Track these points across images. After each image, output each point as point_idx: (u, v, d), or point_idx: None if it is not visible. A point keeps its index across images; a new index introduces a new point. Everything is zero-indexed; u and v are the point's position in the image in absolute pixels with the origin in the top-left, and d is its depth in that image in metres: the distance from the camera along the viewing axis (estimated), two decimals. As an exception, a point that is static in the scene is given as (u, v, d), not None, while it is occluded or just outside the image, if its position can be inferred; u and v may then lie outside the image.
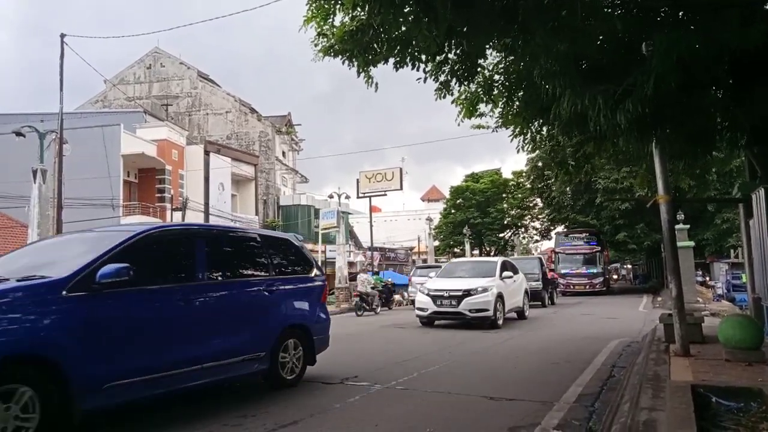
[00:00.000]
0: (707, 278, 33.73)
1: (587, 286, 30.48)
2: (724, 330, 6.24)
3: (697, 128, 5.99)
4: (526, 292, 14.82)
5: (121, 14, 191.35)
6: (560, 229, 38.21)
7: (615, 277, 50.50)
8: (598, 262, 31.39)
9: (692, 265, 19.54)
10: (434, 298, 12.44)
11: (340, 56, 5.82)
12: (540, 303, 19.59)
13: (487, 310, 11.77)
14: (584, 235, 33.27)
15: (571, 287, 30.62)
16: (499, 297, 12.21)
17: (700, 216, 30.64)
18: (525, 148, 8.39)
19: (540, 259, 22.51)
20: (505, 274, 13.07)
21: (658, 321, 8.51)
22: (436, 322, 12.92)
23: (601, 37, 5.34)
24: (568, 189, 32.72)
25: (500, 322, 12.14)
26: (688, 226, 21.26)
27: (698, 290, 22.33)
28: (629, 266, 64.44)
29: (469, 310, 11.81)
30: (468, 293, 11.97)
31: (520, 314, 14.22)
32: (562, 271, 31.34)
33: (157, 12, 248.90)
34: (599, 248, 32.04)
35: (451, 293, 12.20)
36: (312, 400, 5.33)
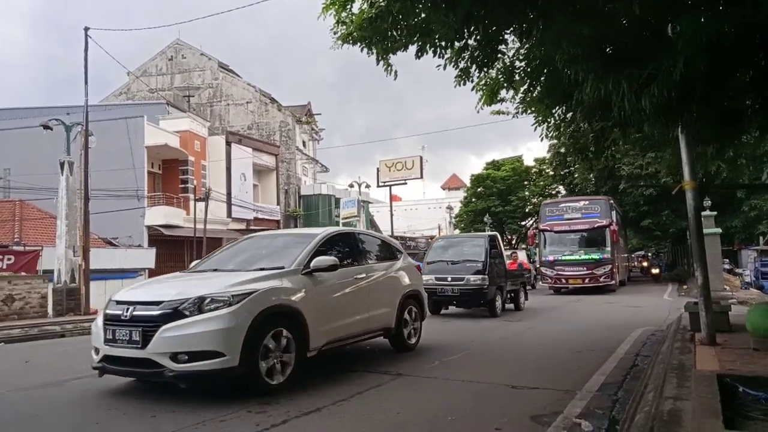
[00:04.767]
0: (734, 266, 32.92)
1: (587, 280, 21.13)
2: (752, 318, 6.14)
3: (725, 112, 5.84)
4: (413, 296, 7.73)
5: (124, 6, 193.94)
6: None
7: (656, 271, 34.11)
8: (604, 243, 21.62)
9: (719, 253, 19.11)
10: (107, 328, 5.11)
11: (358, 44, 5.78)
12: (487, 310, 12.51)
13: (217, 354, 4.72)
14: (582, 203, 23.04)
15: (563, 281, 21.71)
16: (282, 315, 5.31)
17: (728, 203, 29.93)
18: (548, 135, 8.27)
19: (490, 237, 13.89)
20: (318, 261, 5.83)
21: (684, 309, 8.39)
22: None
23: (624, 21, 5.21)
24: (591, 176, 31.85)
25: (275, 380, 5.09)
26: (714, 213, 20.78)
27: (725, 278, 21.89)
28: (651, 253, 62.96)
29: (173, 356, 4.69)
30: (175, 313, 4.83)
31: (397, 339, 7.34)
32: (551, 258, 22.16)
33: (157, 3, 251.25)
34: (605, 222, 21.74)
35: (137, 316, 4.97)
36: (337, 387, 5.39)
